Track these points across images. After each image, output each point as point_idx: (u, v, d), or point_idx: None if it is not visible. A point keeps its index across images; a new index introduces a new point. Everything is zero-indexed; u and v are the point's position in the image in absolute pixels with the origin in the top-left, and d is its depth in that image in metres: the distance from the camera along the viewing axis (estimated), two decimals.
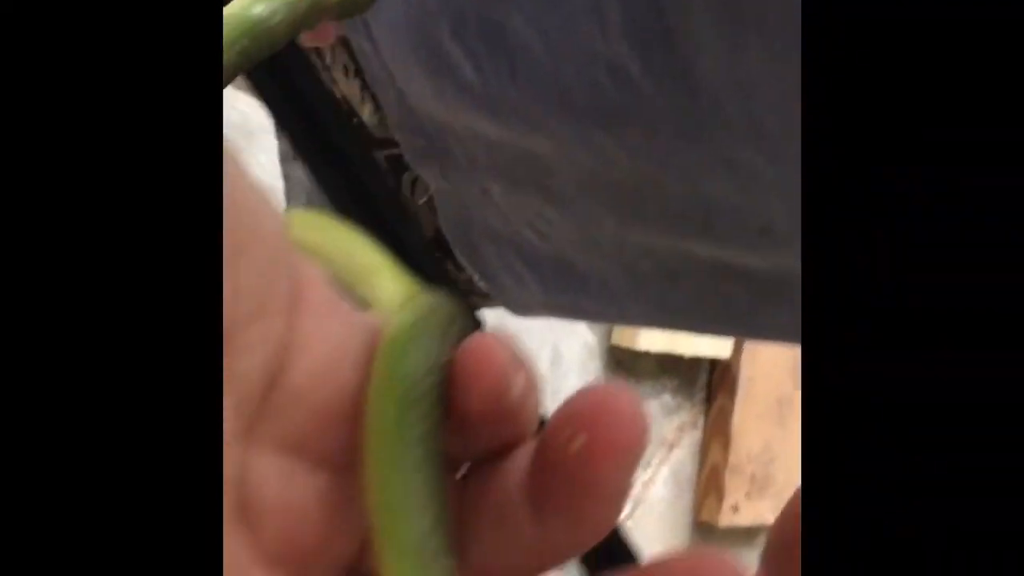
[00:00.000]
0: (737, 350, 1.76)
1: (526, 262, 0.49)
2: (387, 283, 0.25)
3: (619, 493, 0.21)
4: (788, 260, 0.50)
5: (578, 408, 0.21)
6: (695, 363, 1.77)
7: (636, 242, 0.49)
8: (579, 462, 0.20)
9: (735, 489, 1.83)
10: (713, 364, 1.80)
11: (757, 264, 0.50)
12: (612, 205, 0.47)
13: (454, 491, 0.23)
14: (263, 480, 0.21)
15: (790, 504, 0.24)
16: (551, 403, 0.22)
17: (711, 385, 1.82)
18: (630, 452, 0.20)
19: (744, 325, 0.56)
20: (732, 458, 1.83)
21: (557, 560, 0.23)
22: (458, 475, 0.23)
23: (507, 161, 0.46)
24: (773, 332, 0.56)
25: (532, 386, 0.22)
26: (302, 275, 0.21)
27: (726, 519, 1.80)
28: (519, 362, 0.22)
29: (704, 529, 1.82)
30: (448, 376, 0.22)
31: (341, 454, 0.22)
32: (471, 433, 0.22)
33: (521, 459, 0.22)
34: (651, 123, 0.44)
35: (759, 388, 1.80)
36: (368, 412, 0.21)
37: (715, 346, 1.74)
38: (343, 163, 0.43)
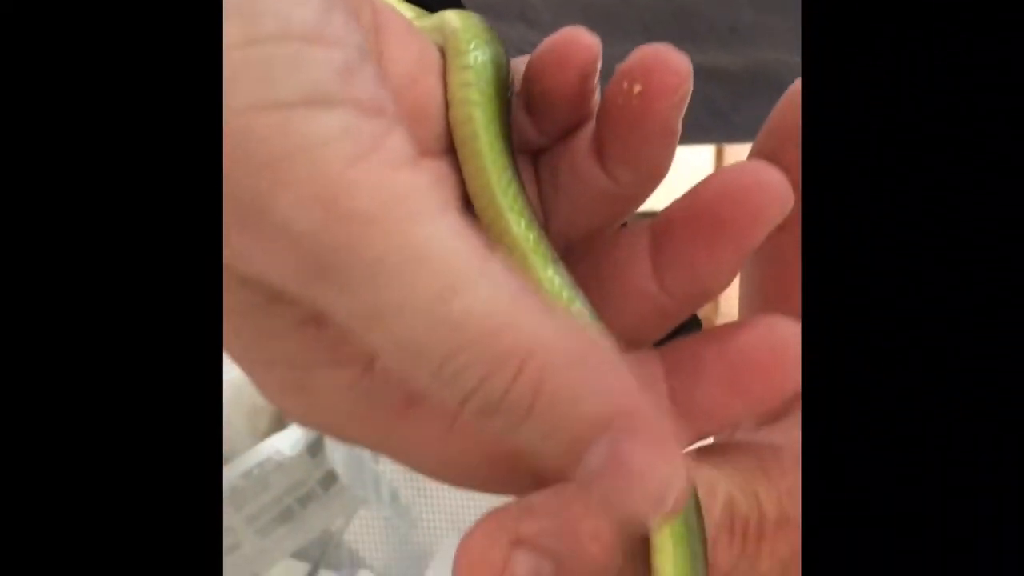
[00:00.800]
0: None
1: None
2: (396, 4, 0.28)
3: (671, 132, 0.26)
4: (758, 55, 0.54)
5: (635, 63, 0.25)
6: None
7: (621, 57, 0.54)
8: (639, 104, 0.25)
9: None
10: None
11: (731, 62, 0.55)
12: (590, 24, 0.53)
13: (532, 169, 0.28)
14: None
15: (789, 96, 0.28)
16: None
17: None
18: (678, 91, 0.25)
19: (726, 126, 0.61)
20: (723, 307, 1.90)
21: (625, 208, 0.28)
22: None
23: None
24: (752, 131, 0.62)
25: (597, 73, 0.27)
26: (378, 5, 0.25)
27: None
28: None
29: None
30: (532, 66, 0.27)
31: (434, 144, 0.26)
32: (555, 114, 0.27)
33: (585, 132, 0.27)
34: None
35: None
36: (461, 103, 0.26)
37: None
38: None
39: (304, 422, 0.25)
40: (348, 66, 0.21)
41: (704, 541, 0.25)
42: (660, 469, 0.21)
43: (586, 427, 0.21)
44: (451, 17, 0.27)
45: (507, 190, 0.25)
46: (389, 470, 1.05)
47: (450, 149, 0.26)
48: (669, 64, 0.25)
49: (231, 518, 0.94)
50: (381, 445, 0.25)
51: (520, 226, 0.25)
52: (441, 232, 0.21)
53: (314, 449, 0.94)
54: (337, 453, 0.95)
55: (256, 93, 0.20)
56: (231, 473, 0.94)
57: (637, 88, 0.25)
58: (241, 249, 0.22)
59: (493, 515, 0.25)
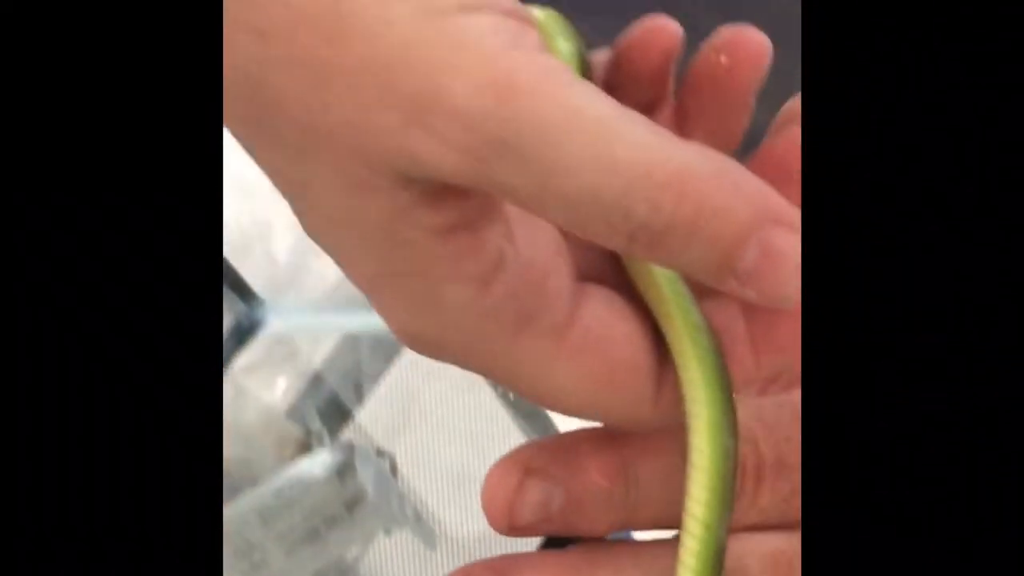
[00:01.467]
0: None
1: None
2: None
3: (748, 104, 0.30)
4: None
5: (723, 39, 0.29)
6: None
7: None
8: (725, 74, 0.29)
9: None
10: None
11: None
12: (575, 7, 0.54)
13: None
14: None
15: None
16: None
17: None
18: (760, 65, 0.29)
19: None
20: None
21: None
22: None
23: None
24: None
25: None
26: None
27: None
28: None
29: None
30: (621, 48, 0.30)
31: None
32: (639, 94, 0.30)
33: (663, 110, 0.30)
34: None
35: None
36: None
37: None
38: None
39: (427, 346, 0.28)
40: None
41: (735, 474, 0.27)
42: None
43: (742, 232, 0.24)
44: (534, 11, 0.30)
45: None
46: (411, 492, 1.10)
47: None
48: (753, 40, 0.29)
49: (261, 535, 0.98)
50: (494, 368, 0.28)
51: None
52: (590, 94, 0.24)
53: (342, 472, 1.00)
54: (366, 471, 1.00)
55: (419, 3, 0.24)
56: (263, 491, 0.98)
57: (724, 59, 0.29)
58: (414, 146, 0.24)
59: (511, 452, 0.29)
